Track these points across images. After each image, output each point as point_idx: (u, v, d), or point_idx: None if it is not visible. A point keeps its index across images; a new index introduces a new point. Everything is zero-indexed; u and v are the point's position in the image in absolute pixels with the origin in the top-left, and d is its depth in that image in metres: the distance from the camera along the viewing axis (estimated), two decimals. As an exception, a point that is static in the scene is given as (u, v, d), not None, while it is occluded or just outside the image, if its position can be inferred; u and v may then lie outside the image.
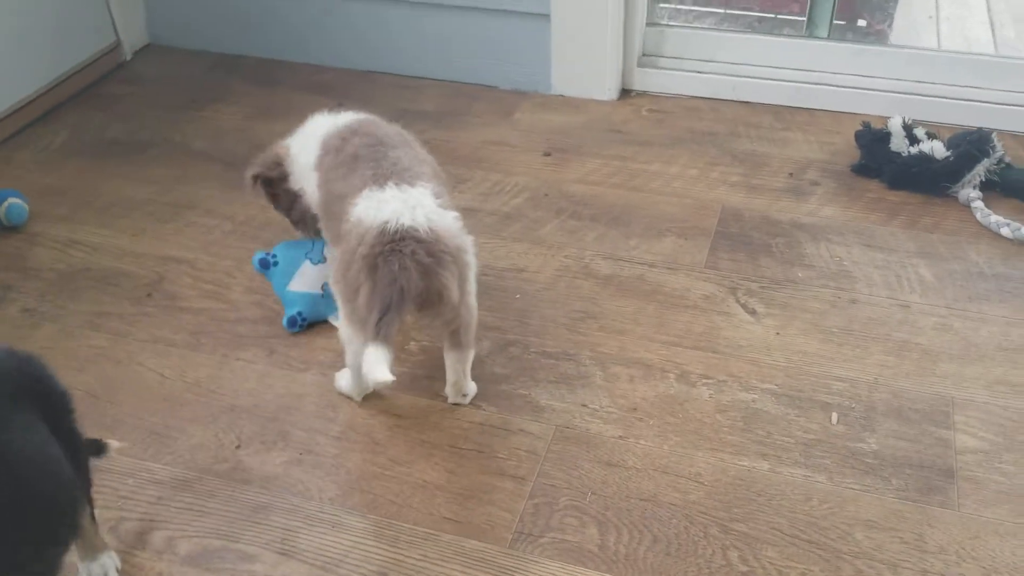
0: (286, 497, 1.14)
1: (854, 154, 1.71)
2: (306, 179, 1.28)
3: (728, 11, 2.29)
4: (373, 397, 1.27)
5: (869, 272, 1.46)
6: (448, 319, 1.15)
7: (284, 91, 2.02)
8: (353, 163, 1.19)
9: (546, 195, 1.67)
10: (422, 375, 1.30)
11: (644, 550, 1.06)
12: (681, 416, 1.23)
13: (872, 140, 1.67)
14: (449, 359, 1.22)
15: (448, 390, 1.25)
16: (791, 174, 1.69)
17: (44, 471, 0.85)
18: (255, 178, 1.35)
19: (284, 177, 1.33)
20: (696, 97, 1.94)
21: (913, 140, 1.65)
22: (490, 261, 1.51)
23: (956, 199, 1.60)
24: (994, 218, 1.53)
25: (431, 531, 1.09)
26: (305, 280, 1.37)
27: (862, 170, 1.68)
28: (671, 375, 1.29)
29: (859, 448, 1.17)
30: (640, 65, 1.95)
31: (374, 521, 1.11)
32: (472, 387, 1.25)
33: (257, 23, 2.11)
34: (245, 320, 1.41)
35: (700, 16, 2.29)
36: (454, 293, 1.10)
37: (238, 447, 1.21)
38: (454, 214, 1.14)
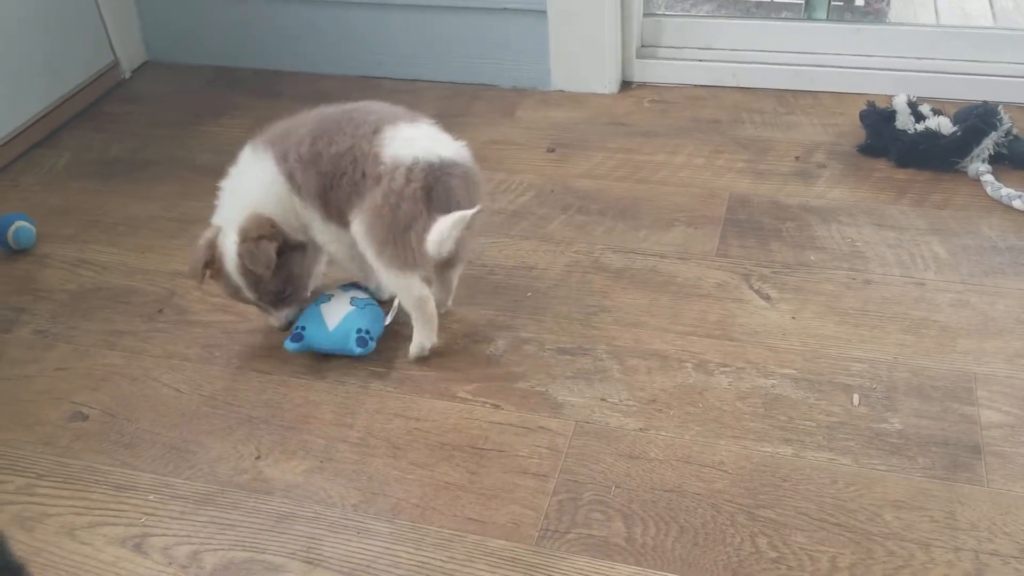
0: (309, 505, 1.14)
1: (860, 135, 1.70)
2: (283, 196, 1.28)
3: None
4: (391, 400, 1.26)
5: (882, 251, 1.45)
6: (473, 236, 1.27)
7: (285, 101, 2.01)
8: (340, 127, 1.25)
9: (552, 191, 1.66)
10: (439, 377, 1.29)
11: (672, 541, 1.06)
12: (701, 405, 1.22)
13: (877, 119, 1.66)
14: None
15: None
16: (797, 157, 1.68)
17: None
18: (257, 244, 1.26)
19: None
20: (697, 85, 1.93)
21: (919, 117, 1.64)
22: (500, 260, 1.50)
23: (965, 174, 1.59)
24: (1005, 191, 1.52)
25: (456, 532, 1.09)
26: (334, 311, 1.32)
27: (868, 150, 1.67)
28: (688, 365, 1.28)
29: (883, 429, 1.16)
30: (639, 56, 1.95)
31: (398, 525, 1.10)
32: None
33: (254, 34, 2.11)
34: (257, 331, 1.40)
35: (698, 3, 2.28)
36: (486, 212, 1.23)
37: (258, 458, 1.20)
38: (462, 142, 1.28)
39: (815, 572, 1.01)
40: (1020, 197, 1.50)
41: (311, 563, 1.07)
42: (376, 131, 1.23)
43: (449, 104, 1.96)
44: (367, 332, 1.31)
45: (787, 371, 1.26)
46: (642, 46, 1.97)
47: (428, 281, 1.30)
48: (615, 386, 1.26)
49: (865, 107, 1.69)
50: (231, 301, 1.38)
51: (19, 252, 1.60)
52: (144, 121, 1.99)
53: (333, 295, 1.35)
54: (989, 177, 1.55)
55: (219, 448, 1.22)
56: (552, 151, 1.77)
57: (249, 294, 1.30)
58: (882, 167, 1.64)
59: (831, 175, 1.63)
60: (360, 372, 1.31)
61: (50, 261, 1.58)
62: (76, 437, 1.25)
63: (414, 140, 1.23)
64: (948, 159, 1.59)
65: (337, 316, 1.31)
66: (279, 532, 1.11)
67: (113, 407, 1.29)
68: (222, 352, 1.37)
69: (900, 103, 1.66)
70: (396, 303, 1.37)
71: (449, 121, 1.89)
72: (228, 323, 1.42)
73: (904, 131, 1.63)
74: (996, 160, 1.60)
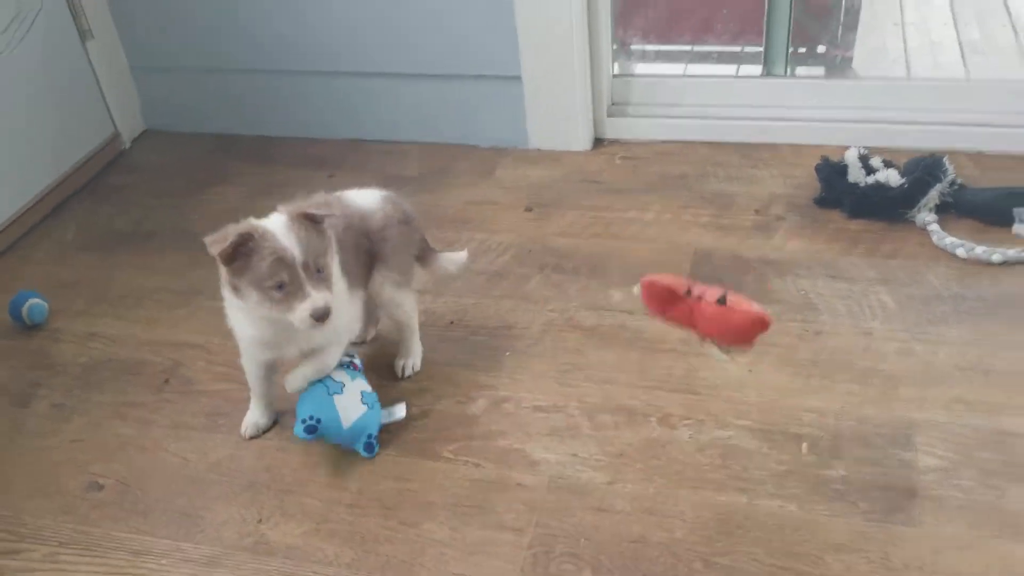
0: (308, 565, 1.25)
1: (816, 186, 1.82)
2: None
3: (694, 48, 2.40)
4: (381, 462, 1.37)
5: (833, 303, 1.56)
6: None
7: (280, 167, 2.14)
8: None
9: (530, 251, 1.77)
10: (424, 437, 1.41)
11: (636, 589, 1.17)
12: (664, 458, 1.33)
13: (831, 172, 1.78)
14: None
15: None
16: (757, 211, 1.80)
17: None
18: None
19: None
20: (666, 141, 2.05)
21: (869, 170, 1.76)
22: (482, 320, 1.62)
23: (914, 223, 1.70)
24: (949, 240, 1.63)
25: (441, 587, 1.20)
26: (349, 409, 1.37)
27: (823, 202, 1.78)
28: (653, 419, 1.39)
29: (828, 475, 1.27)
30: (610, 115, 2.07)
31: (389, 582, 1.21)
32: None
33: (248, 103, 2.23)
34: (258, 398, 1.52)
35: (664, 54, 2.40)
36: None
37: (260, 521, 1.32)
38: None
39: (764, 614, 1.12)
40: (963, 246, 1.61)
41: (310, 619, 1.18)
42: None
43: (432, 164, 2.08)
44: (374, 438, 1.39)
45: (743, 422, 1.37)
46: (613, 104, 2.09)
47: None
48: (586, 442, 1.37)
49: (819, 161, 1.81)
50: (239, 358, 1.49)
51: (33, 328, 1.71)
52: (145, 191, 2.11)
53: (344, 385, 1.38)
54: (935, 227, 1.67)
55: (225, 513, 1.33)
56: (530, 210, 1.89)
57: (298, 257, 1.24)
58: (836, 218, 1.75)
59: (789, 227, 1.74)
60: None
61: (62, 336, 1.70)
62: (94, 506, 1.37)
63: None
64: (897, 210, 1.71)
65: (352, 415, 1.36)
66: (281, 591, 1.22)
67: (127, 476, 1.41)
68: (225, 420, 1.48)
69: (851, 157, 1.77)
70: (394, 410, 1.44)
71: (432, 181, 2.02)
72: (230, 391, 1.53)
73: (856, 184, 1.74)
74: (943, 209, 1.71)
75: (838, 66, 2.50)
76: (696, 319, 1.21)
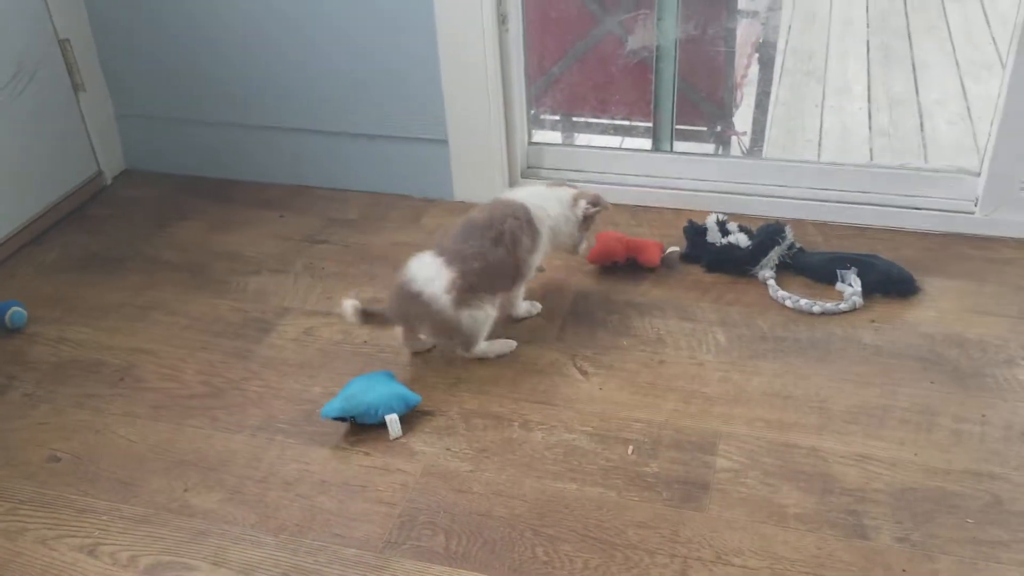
0: (219, 525, 1.55)
1: (684, 245, 2.15)
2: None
3: (592, 120, 2.78)
4: (289, 449, 1.68)
5: (678, 338, 1.89)
6: None
7: (237, 206, 2.47)
8: None
9: (439, 287, 2.10)
10: (329, 432, 1.71)
11: (476, 550, 1.47)
12: (518, 453, 1.64)
13: (694, 233, 2.12)
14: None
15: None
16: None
17: None
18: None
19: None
20: (568, 200, 2.38)
21: (724, 232, 2.09)
22: (390, 341, 1.93)
23: (756, 278, 2.04)
24: (780, 292, 1.97)
25: (324, 544, 1.50)
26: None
27: (687, 257, 2.12)
28: (515, 423, 1.71)
29: (644, 471, 1.59)
30: (524, 176, 2.41)
31: (281, 539, 1.51)
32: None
33: (212, 149, 2.57)
34: (195, 396, 1.82)
35: (568, 125, 2.78)
36: None
37: (185, 490, 1.62)
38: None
39: (572, 571, 1.43)
40: (790, 298, 1.95)
41: (217, 565, 1.48)
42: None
43: (369, 210, 2.42)
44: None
45: (586, 428, 1.68)
46: (527, 167, 2.43)
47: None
48: (458, 439, 1.68)
49: (687, 223, 2.15)
50: (182, 363, 1.80)
51: (13, 331, 2.02)
52: (119, 222, 2.43)
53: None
54: (772, 282, 2.00)
55: (157, 483, 1.64)
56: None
57: (569, 243, 1.95)
58: (695, 271, 2.09)
59: (655, 278, 2.08)
60: (270, 428, 1.73)
61: (37, 339, 2.01)
62: (51, 474, 1.67)
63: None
64: (743, 267, 2.04)
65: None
66: (196, 543, 1.52)
67: (81, 452, 1.71)
68: (166, 412, 1.79)
69: (711, 221, 2.11)
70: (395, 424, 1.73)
71: (367, 224, 2.36)
72: (172, 389, 1.84)
73: (713, 243, 2.08)
74: (783, 268, 2.05)
75: (723, 144, 2.86)
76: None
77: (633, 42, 2.72)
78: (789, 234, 2.06)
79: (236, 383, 1.85)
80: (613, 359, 1.84)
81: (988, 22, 4.53)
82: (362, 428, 1.71)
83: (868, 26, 4.55)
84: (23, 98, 2.30)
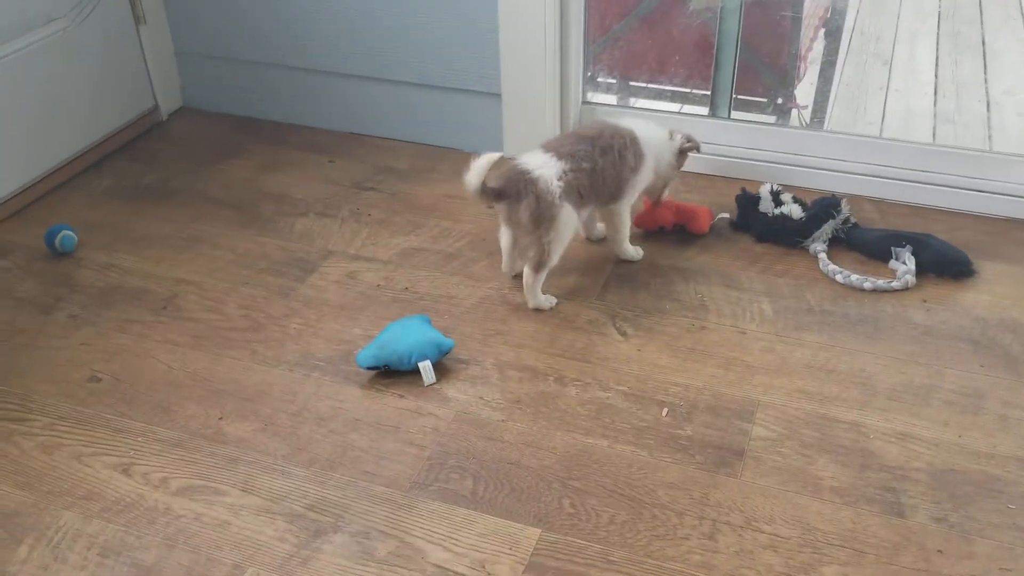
0: (251, 454, 1.56)
1: (735, 213, 2.11)
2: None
3: (648, 85, 2.73)
4: (325, 387, 1.68)
5: (722, 306, 1.85)
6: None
7: (287, 149, 2.47)
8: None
9: (484, 240, 2.08)
10: (363, 374, 1.71)
11: (503, 497, 1.46)
12: (551, 407, 1.63)
13: (746, 202, 2.07)
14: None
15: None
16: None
17: None
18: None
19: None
20: (620, 163, 2.35)
21: (778, 203, 2.05)
22: (429, 290, 1.93)
23: (807, 251, 1.99)
24: (831, 267, 1.92)
25: (353, 479, 1.50)
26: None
27: (737, 226, 2.08)
28: (551, 378, 1.69)
29: (678, 433, 1.57)
30: (576, 135, 2.37)
31: (312, 471, 1.52)
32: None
33: (270, 92, 2.57)
34: (236, 328, 1.84)
35: (625, 88, 2.73)
36: None
37: (220, 419, 1.63)
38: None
39: (597, 524, 1.42)
40: (841, 273, 1.90)
41: (247, 492, 1.49)
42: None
43: (418, 161, 2.41)
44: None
45: (621, 388, 1.66)
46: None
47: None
48: (492, 389, 1.67)
49: (740, 192, 2.11)
50: (225, 296, 1.81)
51: (63, 255, 2.05)
52: (174, 157, 2.45)
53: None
54: (823, 256, 1.96)
55: (193, 409, 1.65)
56: (491, 207, 2.20)
57: (666, 174, 2.00)
58: (745, 240, 2.05)
59: (703, 244, 2.04)
60: (307, 365, 1.74)
61: (85, 263, 2.04)
62: (90, 393, 1.69)
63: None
64: (795, 239, 2.00)
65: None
66: (227, 469, 1.53)
67: (120, 374, 1.73)
68: (207, 342, 1.81)
69: (764, 191, 2.07)
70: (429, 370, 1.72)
71: (416, 175, 2.35)
72: (214, 321, 1.86)
73: (765, 214, 2.04)
74: (835, 243, 2.00)
75: (782, 117, 2.79)
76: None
77: (697, 1, 2.66)
78: (845, 208, 2.01)
79: (276, 319, 1.86)
80: (654, 322, 1.82)
81: (1069, 15, 4.37)
82: (397, 372, 1.71)
83: (939, 12, 4.42)
84: (85, 26, 2.32)
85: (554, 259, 1.81)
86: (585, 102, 2.39)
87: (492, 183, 1.76)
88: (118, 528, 1.44)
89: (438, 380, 1.69)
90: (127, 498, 1.49)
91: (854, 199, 2.12)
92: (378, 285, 1.94)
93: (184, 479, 1.52)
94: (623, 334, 1.79)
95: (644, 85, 2.73)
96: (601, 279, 1.94)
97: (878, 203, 2.15)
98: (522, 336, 1.80)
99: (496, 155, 1.74)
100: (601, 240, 2.04)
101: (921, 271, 1.90)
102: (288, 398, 1.67)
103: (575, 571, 1.35)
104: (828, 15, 3.66)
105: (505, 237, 1.90)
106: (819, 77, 3.37)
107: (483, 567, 1.36)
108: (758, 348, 1.75)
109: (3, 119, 2.16)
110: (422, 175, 2.35)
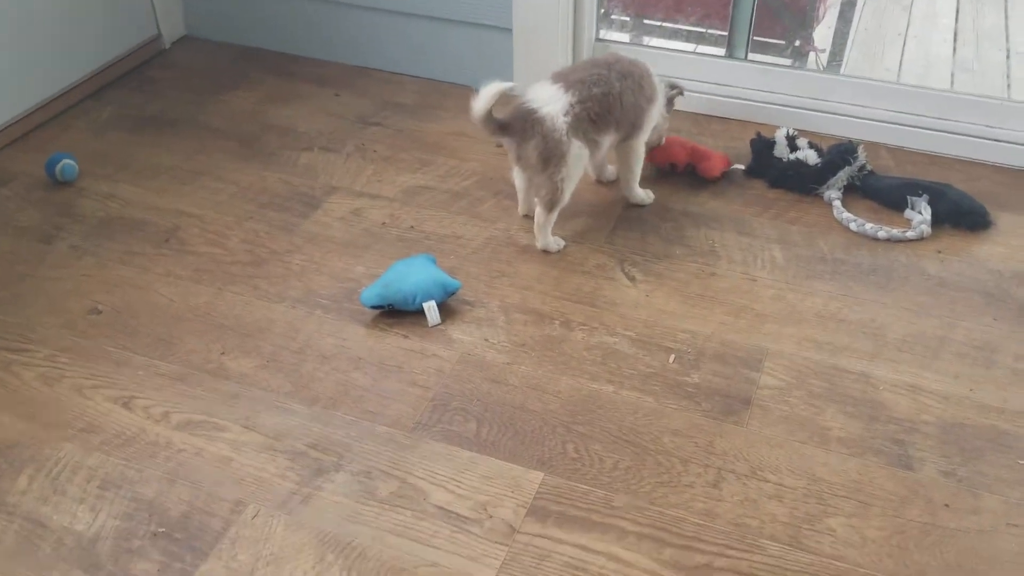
0: (252, 390, 1.54)
1: (749, 158, 2.07)
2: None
3: (663, 24, 2.66)
4: (328, 324, 1.66)
5: (733, 252, 1.82)
6: None
7: (292, 81, 2.42)
8: None
9: (491, 179, 2.04)
10: (366, 312, 1.69)
11: (506, 440, 1.45)
12: (556, 351, 1.61)
13: (761, 147, 2.03)
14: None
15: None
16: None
17: None
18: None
19: None
20: (632, 103, 2.30)
21: (793, 148, 2.00)
22: (435, 229, 1.89)
23: (822, 198, 1.95)
24: (845, 215, 1.88)
25: (355, 419, 1.49)
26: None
27: (751, 171, 2.03)
28: (556, 321, 1.67)
29: (685, 380, 1.55)
30: (588, 74, 2.32)
31: (314, 410, 1.51)
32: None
33: (276, 21, 2.51)
34: (238, 263, 1.81)
35: (639, 26, 2.66)
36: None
37: (222, 353, 1.61)
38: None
39: (601, 470, 1.40)
40: (855, 221, 1.87)
41: (248, 428, 1.48)
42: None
43: (425, 97, 2.35)
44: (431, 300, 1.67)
45: (628, 333, 1.64)
46: (592, 65, 2.34)
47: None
48: (497, 331, 1.65)
49: (754, 136, 2.06)
50: (227, 230, 1.78)
51: (64, 184, 2.02)
52: (175, 86, 2.40)
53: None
54: (838, 203, 1.92)
55: (195, 344, 1.63)
56: (500, 145, 2.15)
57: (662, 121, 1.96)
58: (758, 186, 2.01)
59: (715, 189, 2.00)
60: (310, 302, 1.72)
61: (86, 193, 2.00)
62: (91, 325, 1.67)
63: None
64: (809, 185, 1.96)
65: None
66: (228, 406, 1.52)
67: (121, 306, 1.71)
68: (208, 276, 1.78)
69: (780, 135, 2.02)
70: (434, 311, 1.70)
71: (422, 111, 2.30)
72: (217, 255, 1.83)
73: (779, 159, 1.99)
74: (850, 190, 1.96)
75: (799, 59, 2.73)
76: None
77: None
78: (861, 155, 1.97)
79: (279, 255, 1.83)
80: (663, 268, 1.79)
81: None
82: (401, 312, 1.68)
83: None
84: (85, -51, 2.25)
85: (566, 197, 1.78)
86: (598, 39, 2.33)
87: (498, 116, 1.71)
88: (118, 461, 1.43)
89: (443, 321, 1.66)
90: (128, 431, 1.47)
91: (870, 146, 2.08)
92: (383, 223, 1.91)
93: (185, 414, 1.51)
94: (631, 279, 1.76)
95: (659, 24, 2.66)
96: (610, 222, 1.91)
97: (895, 151, 2.11)
98: (528, 278, 1.77)
99: (507, 84, 1.69)
100: (611, 182, 2.00)
101: (936, 221, 1.86)
102: (290, 335, 1.65)
103: (577, 516, 1.34)
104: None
105: (519, 178, 1.86)
106: (838, 20, 3.30)
107: (485, 509, 1.35)
108: (768, 296, 1.72)
109: (4, 45, 2.11)
110: (429, 111, 2.30)
